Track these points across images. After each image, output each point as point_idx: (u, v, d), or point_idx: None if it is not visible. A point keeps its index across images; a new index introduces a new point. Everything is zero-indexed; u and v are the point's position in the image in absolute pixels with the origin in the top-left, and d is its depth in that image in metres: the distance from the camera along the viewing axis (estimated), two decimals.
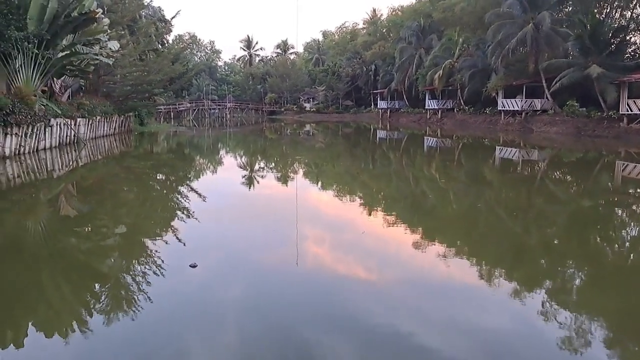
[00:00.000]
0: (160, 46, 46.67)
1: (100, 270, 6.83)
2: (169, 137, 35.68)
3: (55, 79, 23.76)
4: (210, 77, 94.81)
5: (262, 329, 4.80)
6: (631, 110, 29.46)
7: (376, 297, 5.68)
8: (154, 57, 37.60)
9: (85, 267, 6.94)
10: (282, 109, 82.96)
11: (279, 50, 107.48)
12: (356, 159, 22.92)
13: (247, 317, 5.10)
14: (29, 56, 19.13)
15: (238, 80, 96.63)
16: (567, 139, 30.12)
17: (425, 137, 36.40)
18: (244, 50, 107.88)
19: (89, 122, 25.49)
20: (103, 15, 24.95)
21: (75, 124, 23.34)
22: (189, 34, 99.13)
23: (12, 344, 4.49)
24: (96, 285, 6.19)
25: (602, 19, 35.54)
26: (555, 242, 8.66)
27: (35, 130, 18.84)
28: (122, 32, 35.13)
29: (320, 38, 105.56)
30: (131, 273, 6.49)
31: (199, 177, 17.17)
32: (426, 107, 53.83)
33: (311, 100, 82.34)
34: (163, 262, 6.67)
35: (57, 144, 21.32)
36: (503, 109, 40.82)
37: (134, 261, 7.05)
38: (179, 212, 10.52)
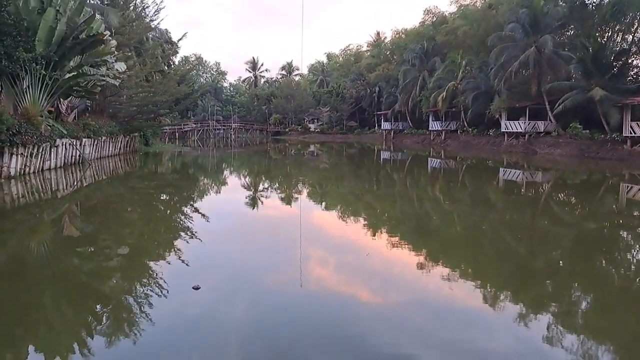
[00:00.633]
0: (166, 67, 47.16)
1: (103, 292, 6.79)
2: (174, 157, 35.83)
3: (62, 99, 23.99)
4: (215, 97, 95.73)
5: (266, 351, 4.76)
6: (635, 133, 29.48)
7: (380, 320, 5.63)
8: (160, 78, 37.95)
9: (87, 288, 6.92)
10: (287, 130, 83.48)
11: (284, 72, 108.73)
12: (360, 180, 22.93)
13: (251, 339, 5.05)
14: (37, 77, 19.36)
15: (243, 101, 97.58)
16: (571, 160, 30.09)
17: (429, 158, 36.43)
18: (250, 71, 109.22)
19: (94, 142, 25.69)
20: (111, 37, 25.36)
21: (80, 144, 23.51)
22: (195, 55, 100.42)
23: None
24: (98, 306, 6.15)
25: (603, 42, 35.88)
26: (560, 264, 8.59)
27: (40, 150, 18.96)
28: (129, 54, 35.58)
29: (325, 60, 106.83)
30: (133, 295, 6.45)
31: (203, 198, 17.19)
32: (430, 128, 54.05)
33: (315, 121, 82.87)
34: (166, 283, 6.64)
35: (62, 164, 21.45)
36: (506, 130, 40.93)
37: (136, 282, 7.02)
38: (182, 233, 10.50)
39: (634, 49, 37.16)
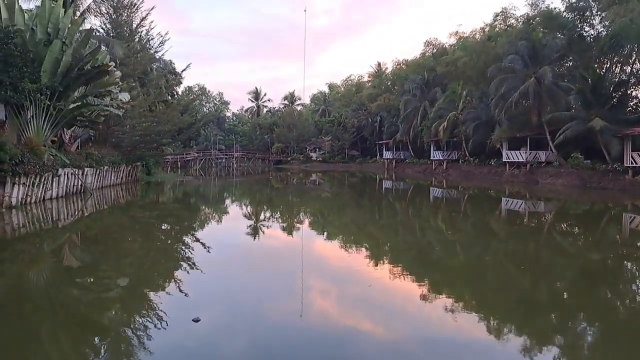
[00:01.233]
0: (170, 97, 47.66)
1: (101, 323, 6.71)
2: (176, 187, 35.88)
3: (65, 129, 24.18)
4: (218, 127, 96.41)
5: None
6: (636, 163, 29.52)
7: (382, 352, 5.53)
8: (164, 108, 38.29)
9: (86, 319, 6.83)
10: (289, 159, 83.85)
11: (286, 102, 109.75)
12: (362, 209, 22.88)
13: None
14: (41, 107, 19.55)
15: (246, 130, 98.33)
16: (573, 190, 30.05)
17: (431, 188, 36.42)
18: (252, 101, 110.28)
19: (96, 171, 25.75)
20: (115, 68, 25.73)
21: (82, 174, 23.57)
22: (198, 85, 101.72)
23: None
24: (96, 338, 6.07)
25: (602, 73, 36.27)
26: (565, 296, 8.48)
27: (42, 180, 19.00)
28: (133, 84, 36.03)
29: (327, 90, 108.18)
30: (132, 326, 6.37)
31: (204, 227, 17.13)
32: (431, 157, 54.29)
33: (317, 150, 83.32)
34: (165, 314, 6.56)
35: (64, 194, 21.46)
36: (508, 160, 41.08)
37: (135, 314, 6.94)
38: (182, 263, 10.42)
39: (632, 80, 37.55)
